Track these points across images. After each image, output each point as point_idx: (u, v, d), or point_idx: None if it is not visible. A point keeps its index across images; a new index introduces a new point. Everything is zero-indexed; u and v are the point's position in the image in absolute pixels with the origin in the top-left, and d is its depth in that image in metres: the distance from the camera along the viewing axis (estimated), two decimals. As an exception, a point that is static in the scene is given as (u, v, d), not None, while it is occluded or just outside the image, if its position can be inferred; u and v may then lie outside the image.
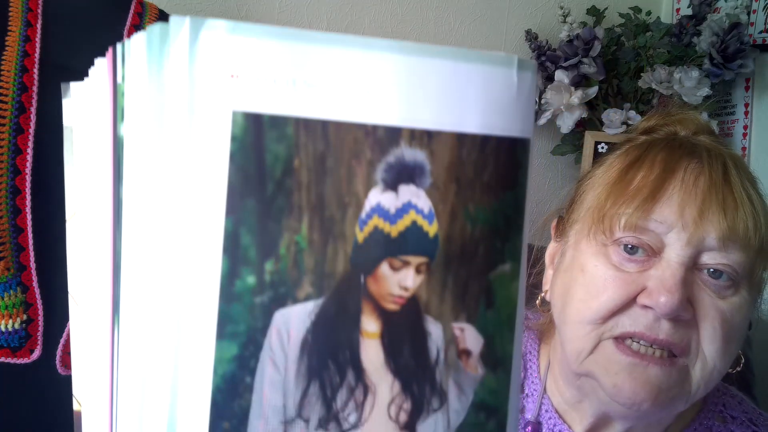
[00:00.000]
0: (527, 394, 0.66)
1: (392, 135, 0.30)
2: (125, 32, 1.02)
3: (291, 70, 0.28)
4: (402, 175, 0.30)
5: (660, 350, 0.54)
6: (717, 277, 0.55)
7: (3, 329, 0.88)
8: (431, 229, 0.31)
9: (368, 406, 0.31)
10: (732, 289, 0.55)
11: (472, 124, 0.31)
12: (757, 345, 1.09)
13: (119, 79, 0.29)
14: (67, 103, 0.35)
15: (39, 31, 0.96)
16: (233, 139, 0.28)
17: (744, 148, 1.43)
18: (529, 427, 0.63)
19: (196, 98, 0.27)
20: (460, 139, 0.31)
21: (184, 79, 0.27)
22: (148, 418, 0.29)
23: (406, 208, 0.30)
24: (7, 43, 0.93)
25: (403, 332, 0.31)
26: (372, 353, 0.30)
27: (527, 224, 0.33)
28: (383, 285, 0.30)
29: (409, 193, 0.30)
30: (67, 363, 0.91)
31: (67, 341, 0.90)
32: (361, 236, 0.30)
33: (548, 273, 0.67)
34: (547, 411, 0.65)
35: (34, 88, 0.92)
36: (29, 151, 0.89)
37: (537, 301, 0.67)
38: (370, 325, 0.30)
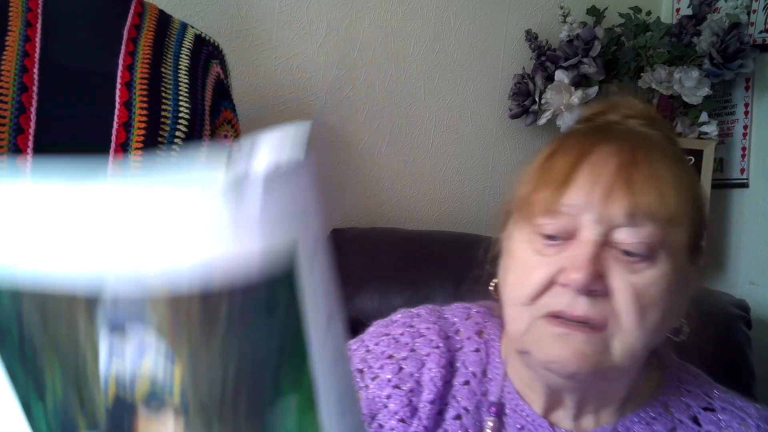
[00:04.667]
0: (490, 378, 0.69)
1: (92, 305, 0.26)
2: (125, 32, 1.02)
3: None
4: (120, 320, 0.26)
5: (582, 324, 0.58)
6: (630, 254, 0.59)
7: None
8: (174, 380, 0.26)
9: None
10: (646, 263, 0.58)
11: (183, 279, 0.24)
12: (757, 345, 1.09)
13: None
14: None
15: (39, 31, 0.96)
16: None
17: (744, 148, 1.43)
18: (493, 408, 0.67)
19: None
20: (173, 300, 0.24)
21: None
22: None
23: (138, 358, 0.26)
24: (7, 43, 0.93)
25: None
26: None
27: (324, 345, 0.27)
28: None
29: (138, 336, 0.26)
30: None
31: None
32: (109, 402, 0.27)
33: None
34: (509, 393, 0.68)
35: (34, 88, 0.92)
36: (29, 151, 0.89)
37: (491, 288, 0.71)
38: None
